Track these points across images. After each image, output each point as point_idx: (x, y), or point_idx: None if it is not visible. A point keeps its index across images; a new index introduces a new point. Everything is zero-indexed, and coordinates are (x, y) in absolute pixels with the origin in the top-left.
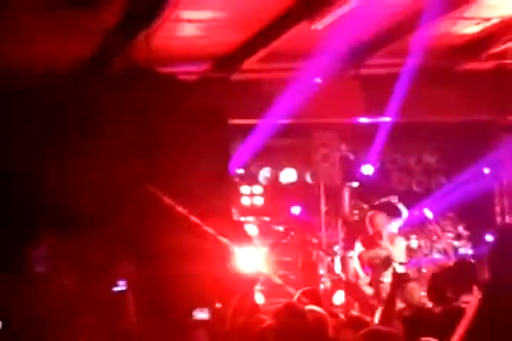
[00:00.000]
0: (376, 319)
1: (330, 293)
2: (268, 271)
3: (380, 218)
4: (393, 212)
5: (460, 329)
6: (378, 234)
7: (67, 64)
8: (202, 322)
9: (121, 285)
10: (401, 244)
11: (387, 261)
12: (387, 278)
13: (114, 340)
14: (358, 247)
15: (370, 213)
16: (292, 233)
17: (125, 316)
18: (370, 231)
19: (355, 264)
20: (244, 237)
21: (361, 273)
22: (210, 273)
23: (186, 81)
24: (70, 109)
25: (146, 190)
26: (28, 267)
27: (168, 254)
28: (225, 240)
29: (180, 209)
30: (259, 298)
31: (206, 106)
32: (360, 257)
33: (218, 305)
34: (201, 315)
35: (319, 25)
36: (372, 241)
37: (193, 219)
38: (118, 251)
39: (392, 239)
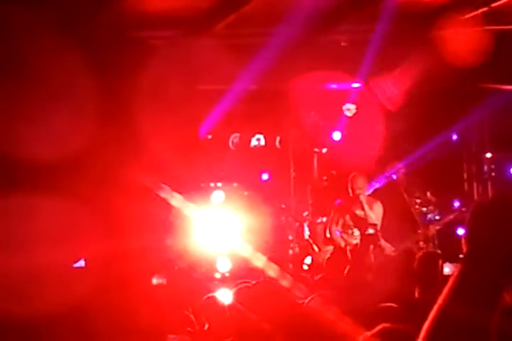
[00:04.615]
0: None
1: (299, 258)
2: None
3: (362, 180)
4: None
5: (439, 302)
6: (358, 197)
7: None
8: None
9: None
10: (379, 209)
11: (363, 223)
12: (355, 239)
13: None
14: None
15: (352, 175)
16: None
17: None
18: (350, 192)
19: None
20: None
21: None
22: (174, 245)
23: (155, 45)
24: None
25: (110, 156)
26: None
27: (130, 226)
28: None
29: (146, 178)
30: (226, 265)
31: (175, 71)
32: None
33: None
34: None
35: None
36: (351, 203)
37: (159, 190)
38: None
39: (371, 203)
